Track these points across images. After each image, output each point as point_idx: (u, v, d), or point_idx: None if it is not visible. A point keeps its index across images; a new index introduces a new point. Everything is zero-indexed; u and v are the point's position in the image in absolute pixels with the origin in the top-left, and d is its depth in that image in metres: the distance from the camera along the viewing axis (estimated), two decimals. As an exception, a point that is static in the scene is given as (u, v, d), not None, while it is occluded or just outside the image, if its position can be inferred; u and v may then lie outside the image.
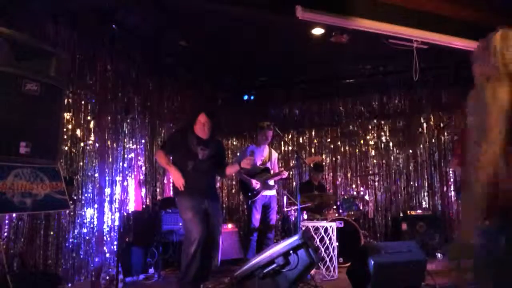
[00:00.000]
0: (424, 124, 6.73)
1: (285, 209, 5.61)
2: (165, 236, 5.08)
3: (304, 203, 5.10)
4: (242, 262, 4.60)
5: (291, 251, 3.19)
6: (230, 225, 5.90)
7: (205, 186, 3.85)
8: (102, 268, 4.46)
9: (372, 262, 3.47)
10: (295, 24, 4.03)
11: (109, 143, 4.89)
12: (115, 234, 4.82)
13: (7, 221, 3.51)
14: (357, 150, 7.05)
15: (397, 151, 6.84)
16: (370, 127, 7.02)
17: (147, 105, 5.71)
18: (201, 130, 3.90)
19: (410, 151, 6.77)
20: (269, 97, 7.32)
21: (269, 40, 5.20)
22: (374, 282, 3.48)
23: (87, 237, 4.41)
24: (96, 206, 4.57)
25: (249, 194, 5.07)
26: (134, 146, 5.40)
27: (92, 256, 4.44)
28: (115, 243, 4.80)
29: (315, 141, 7.28)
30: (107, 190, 4.78)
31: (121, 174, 5.06)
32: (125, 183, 5.14)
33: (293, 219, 5.44)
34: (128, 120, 5.30)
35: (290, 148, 7.21)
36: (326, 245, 4.64)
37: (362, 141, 7.03)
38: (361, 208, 6.33)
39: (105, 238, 4.68)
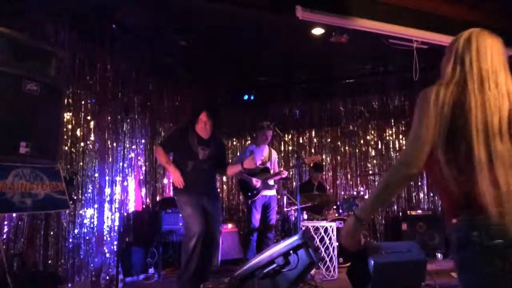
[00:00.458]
0: (424, 124, 6.73)
1: (285, 209, 5.60)
2: (165, 236, 5.08)
3: (304, 203, 5.10)
4: (242, 262, 4.60)
5: (291, 251, 3.19)
6: (230, 225, 5.89)
7: (205, 186, 3.85)
8: (102, 268, 4.46)
9: (372, 262, 3.46)
10: (295, 24, 4.03)
11: (109, 143, 4.89)
12: (115, 234, 4.82)
13: (7, 221, 3.51)
14: (357, 150, 7.04)
15: (397, 151, 6.84)
16: (370, 127, 7.02)
17: (147, 105, 5.72)
18: (203, 129, 3.89)
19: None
20: (269, 97, 7.31)
21: (269, 40, 5.19)
22: (374, 282, 3.47)
23: (87, 237, 4.40)
24: (96, 206, 4.57)
25: (249, 194, 5.06)
26: (134, 146, 5.41)
27: (92, 256, 4.44)
28: (115, 243, 4.80)
29: (315, 141, 7.27)
30: (107, 190, 4.77)
31: (121, 174, 5.07)
32: (125, 183, 5.14)
33: (293, 219, 5.44)
34: (128, 120, 5.30)
35: (290, 148, 7.21)
36: (326, 245, 4.64)
37: (362, 141, 7.03)
38: (361, 208, 6.31)
39: (105, 238, 4.68)
